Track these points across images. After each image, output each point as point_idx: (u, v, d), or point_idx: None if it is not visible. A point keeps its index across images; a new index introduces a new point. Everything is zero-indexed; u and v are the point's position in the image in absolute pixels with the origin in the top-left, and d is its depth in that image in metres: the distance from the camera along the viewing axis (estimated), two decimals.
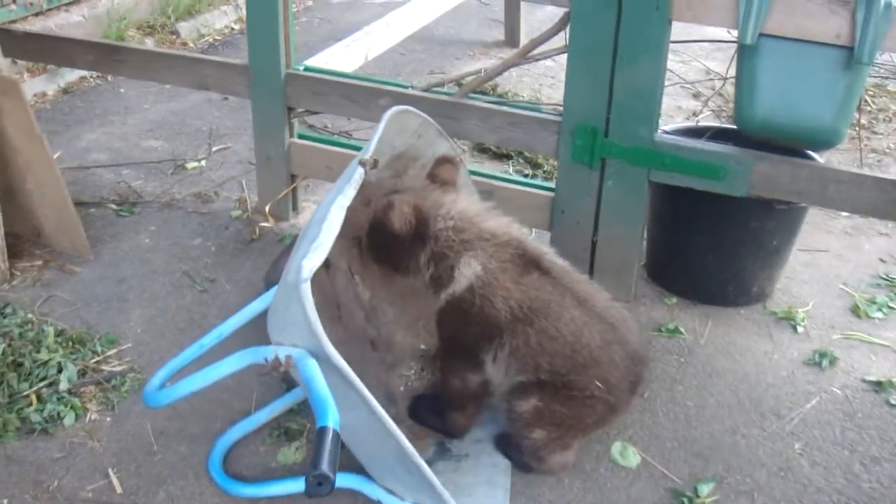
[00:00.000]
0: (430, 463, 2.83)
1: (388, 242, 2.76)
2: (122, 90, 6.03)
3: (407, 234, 2.70)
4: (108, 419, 3.05)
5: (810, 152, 3.54)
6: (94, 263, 3.92)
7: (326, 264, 2.97)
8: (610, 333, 2.73)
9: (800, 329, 3.67)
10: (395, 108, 2.89)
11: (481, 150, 5.13)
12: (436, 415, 2.99)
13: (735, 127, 3.47)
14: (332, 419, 1.92)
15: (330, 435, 1.86)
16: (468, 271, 2.70)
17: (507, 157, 5.06)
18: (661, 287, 3.91)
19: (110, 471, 2.83)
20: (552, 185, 3.79)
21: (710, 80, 6.34)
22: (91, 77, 6.21)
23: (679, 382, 3.34)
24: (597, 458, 2.98)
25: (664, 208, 3.79)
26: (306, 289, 2.16)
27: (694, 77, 6.37)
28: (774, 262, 3.75)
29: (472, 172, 3.61)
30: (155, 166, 4.87)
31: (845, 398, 3.30)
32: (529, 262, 2.75)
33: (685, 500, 2.80)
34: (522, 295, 2.69)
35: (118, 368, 3.26)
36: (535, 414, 2.72)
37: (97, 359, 3.29)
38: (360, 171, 2.66)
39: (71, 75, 6.11)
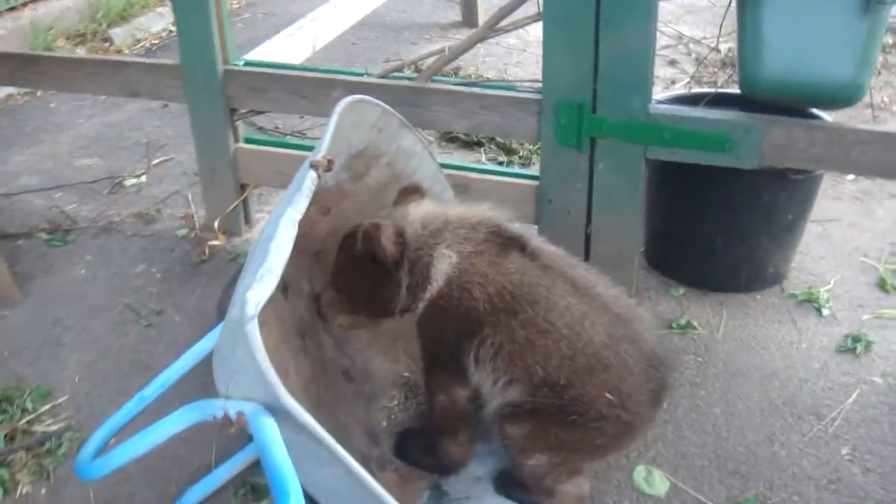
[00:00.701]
0: None
1: (369, 278, 2.40)
2: (52, 105, 5.55)
3: (395, 260, 2.35)
4: (43, 491, 2.59)
5: (818, 112, 3.14)
6: (22, 304, 3.45)
7: (284, 287, 2.54)
8: (619, 328, 2.28)
9: (825, 312, 3.27)
10: (347, 99, 2.48)
11: (449, 139, 4.71)
12: (426, 451, 2.55)
13: (734, 91, 3.11)
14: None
15: None
16: (444, 265, 2.31)
17: (478, 144, 4.63)
18: (666, 277, 3.50)
19: None
20: (536, 172, 3.35)
21: (685, 44, 5.93)
22: (18, 94, 5.72)
23: (700, 387, 2.93)
24: (618, 487, 2.56)
25: (664, 190, 3.38)
26: (253, 329, 1.72)
27: (665, 42, 5.95)
28: (789, 238, 3.35)
29: (444, 165, 3.17)
30: (90, 187, 4.39)
31: (888, 388, 2.91)
32: (509, 242, 2.35)
33: None
34: (502, 279, 2.27)
35: (53, 428, 2.80)
36: (528, 437, 2.29)
37: (28, 418, 2.82)
38: (313, 175, 2.22)
39: None
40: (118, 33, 6.55)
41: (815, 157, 2.91)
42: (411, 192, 2.53)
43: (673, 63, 5.83)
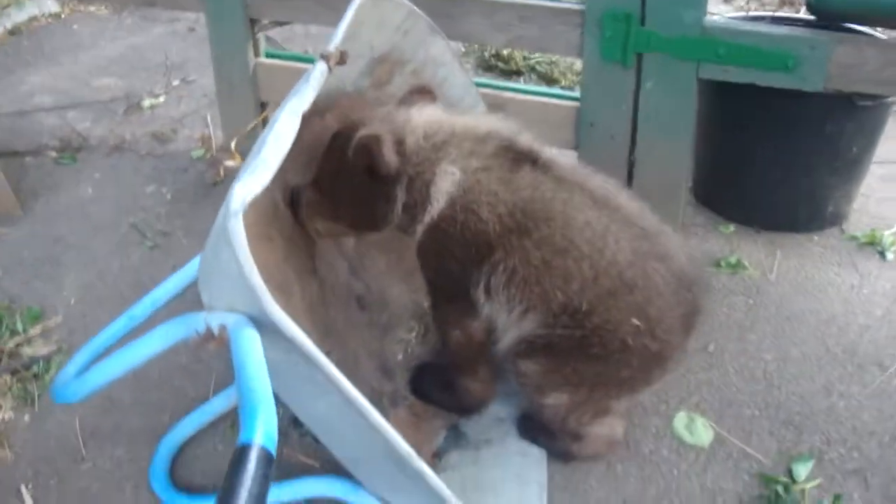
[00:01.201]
0: (441, 454, 2.19)
1: (358, 189, 2.08)
2: (75, 27, 5.33)
3: (395, 174, 2.03)
4: (26, 418, 2.39)
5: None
6: (23, 221, 3.24)
7: (294, 196, 2.29)
8: (644, 243, 1.99)
9: (889, 256, 2.98)
10: None
11: (487, 67, 4.42)
12: (444, 388, 2.31)
13: (797, 16, 2.77)
14: (261, 431, 1.19)
15: (252, 460, 1.15)
16: (446, 183, 2.00)
17: (518, 73, 4.34)
18: (715, 213, 3.21)
19: (23, 488, 2.18)
20: (576, 94, 3.06)
21: None
22: (42, 16, 5.50)
23: (750, 330, 2.65)
24: (656, 435, 2.30)
25: (715, 114, 3.08)
26: (237, 225, 1.47)
27: None
28: (853, 174, 3.04)
29: (479, 84, 2.90)
30: (105, 106, 4.16)
31: None
32: (520, 156, 2.04)
33: (779, 487, 2.12)
34: (514, 196, 1.98)
35: (42, 351, 2.59)
36: (544, 373, 2.04)
37: (17, 340, 2.62)
38: (322, 67, 1.97)
39: (19, 15, 5.42)
40: None
41: (889, 80, 2.58)
42: (422, 92, 2.23)
43: (727, 0, 5.48)
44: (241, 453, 1.16)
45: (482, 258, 2.00)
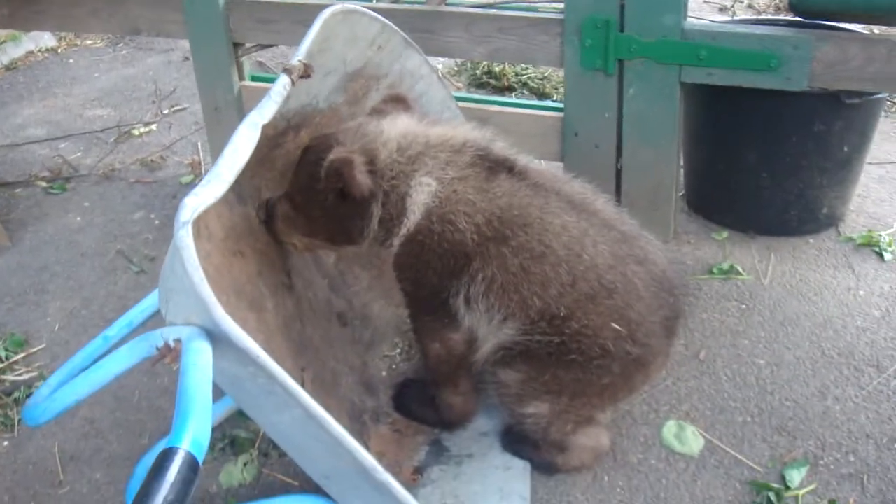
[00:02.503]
0: (422, 469, 2.14)
1: (332, 206, 2.02)
2: (70, 61, 5.35)
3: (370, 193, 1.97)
4: (6, 443, 2.36)
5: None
6: (11, 251, 3.23)
7: (268, 210, 2.26)
8: (624, 246, 1.97)
9: (887, 256, 2.92)
10: (336, 6, 2.18)
11: (479, 84, 4.40)
12: (426, 403, 2.26)
13: (782, 17, 2.73)
14: (189, 437, 1.15)
15: (175, 464, 1.11)
16: (421, 194, 1.97)
17: (510, 89, 4.31)
18: (707, 220, 3.17)
19: None
20: (560, 104, 3.02)
21: None
22: (38, 51, 5.53)
23: (743, 335, 2.59)
24: (645, 444, 2.24)
25: (702, 120, 3.04)
26: (186, 236, 1.43)
27: None
28: (845, 175, 2.99)
29: (459, 98, 2.88)
30: (97, 136, 4.16)
31: None
32: (496, 164, 2.01)
33: (771, 494, 2.06)
34: (490, 205, 1.94)
35: (24, 377, 2.57)
36: (524, 382, 2.00)
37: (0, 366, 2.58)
38: (285, 80, 1.94)
39: (15, 51, 5.47)
40: None
41: (874, 77, 2.55)
42: (395, 100, 2.19)
43: (723, 9, 5.45)
44: (165, 456, 1.13)
45: (461, 268, 1.96)
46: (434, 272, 1.99)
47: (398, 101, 2.18)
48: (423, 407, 2.27)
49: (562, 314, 1.90)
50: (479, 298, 1.96)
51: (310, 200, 2.05)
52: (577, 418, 2.04)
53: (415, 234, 1.98)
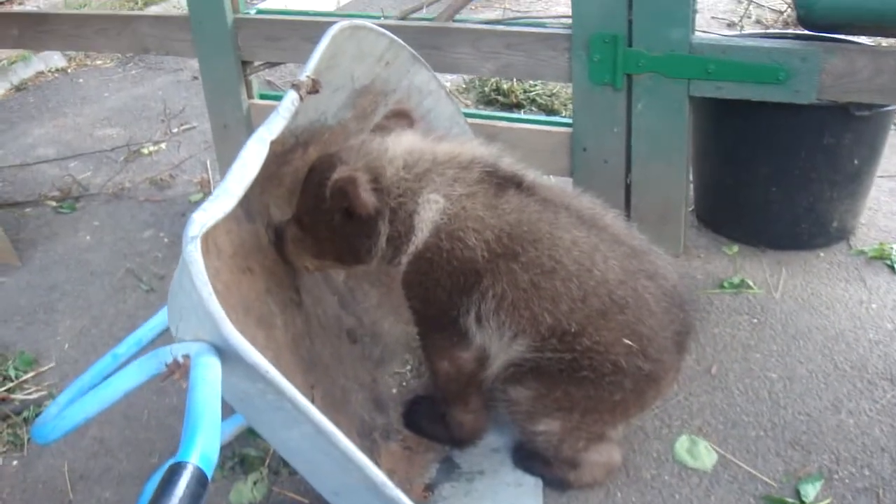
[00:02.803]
0: (433, 487, 2.12)
1: (340, 226, 2.01)
2: (80, 80, 5.38)
3: (376, 211, 1.96)
4: (15, 462, 2.35)
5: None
6: (21, 270, 3.23)
7: (277, 234, 2.26)
8: (634, 261, 1.96)
9: None
10: (343, 23, 2.18)
11: (487, 101, 4.40)
12: (437, 421, 2.25)
13: (782, 31, 2.73)
14: (198, 452, 1.14)
15: (184, 479, 1.10)
16: (429, 212, 1.95)
17: (519, 105, 4.31)
18: (718, 234, 3.15)
19: None
20: (569, 120, 3.02)
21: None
22: (48, 71, 5.58)
23: (754, 349, 2.58)
24: (657, 459, 2.23)
25: (711, 134, 3.03)
26: (194, 251, 1.43)
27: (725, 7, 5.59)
28: (856, 188, 2.97)
29: (467, 115, 2.87)
30: (106, 156, 4.17)
31: None
32: (504, 180, 2.00)
33: None
34: (499, 221, 1.93)
35: (33, 396, 2.57)
36: (535, 399, 1.98)
37: (9, 385, 2.59)
38: (293, 96, 1.94)
39: (25, 71, 5.51)
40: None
41: (882, 88, 2.54)
42: (398, 115, 2.18)
43: (731, 25, 5.45)
44: (174, 470, 1.12)
45: (471, 286, 1.94)
46: (443, 290, 1.97)
47: (402, 117, 2.17)
48: (433, 424, 2.26)
49: (573, 330, 1.89)
50: (489, 315, 1.94)
51: (317, 222, 2.04)
52: (589, 435, 2.02)
53: (423, 252, 1.97)
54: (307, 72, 2.02)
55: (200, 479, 1.12)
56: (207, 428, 1.20)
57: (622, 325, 1.90)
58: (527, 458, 2.17)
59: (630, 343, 1.89)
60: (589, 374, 1.90)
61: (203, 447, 1.17)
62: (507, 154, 2.10)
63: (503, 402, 2.05)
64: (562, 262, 1.89)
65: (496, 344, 1.99)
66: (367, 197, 1.91)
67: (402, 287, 2.07)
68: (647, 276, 1.95)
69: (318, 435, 1.50)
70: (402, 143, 2.04)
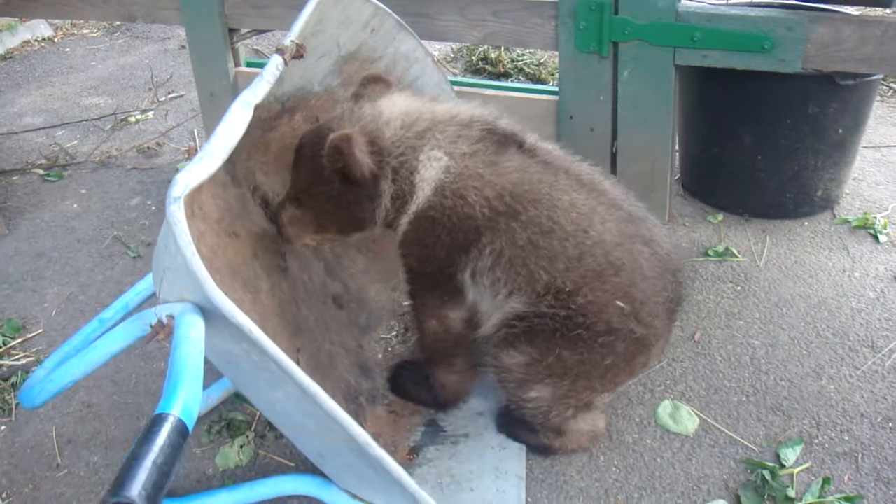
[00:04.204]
0: (418, 449, 2.14)
1: (339, 194, 2.00)
2: (67, 49, 5.35)
3: (373, 173, 1.96)
4: (3, 427, 2.36)
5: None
6: (7, 238, 3.23)
7: (265, 202, 2.27)
8: (631, 226, 1.98)
9: (882, 238, 2.92)
10: None
11: (475, 70, 4.40)
12: (420, 383, 2.27)
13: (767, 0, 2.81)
14: (180, 404, 1.16)
15: (165, 429, 1.11)
16: (431, 170, 1.96)
17: (506, 75, 4.31)
18: (703, 203, 3.17)
19: None
20: (555, 88, 3.02)
21: None
22: (35, 41, 5.53)
23: (738, 317, 2.60)
24: (640, 424, 2.25)
25: (697, 103, 3.04)
26: (178, 211, 1.43)
27: None
28: (840, 157, 2.99)
29: (454, 83, 2.87)
30: (94, 124, 4.16)
31: None
32: (504, 139, 2.02)
33: (766, 472, 2.06)
34: (501, 179, 1.94)
35: (21, 362, 2.57)
36: (527, 365, 1.98)
37: None
38: (278, 60, 1.94)
39: (11, 41, 5.46)
40: None
41: (868, 58, 2.54)
42: (374, 81, 2.14)
43: None
44: (156, 421, 1.13)
45: (470, 243, 1.95)
46: (443, 247, 1.98)
47: (377, 82, 2.14)
48: (417, 387, 2.28)
49: (568, 289, 1.90)
50: (485, 273, 1.96)
51: (316, 194, 2.03)
52: (577, 403, 2.04)
53: (426, 210, 1.97)
54: (292, 36, 2.02)
55: (181, 430, 1.14)
56: (189, 382, 1.21)
57: (616, 287, 1.91)
58: (511, 424, 2.19)
59: (623, 305, 1.91)
60: (583, 333, 1.92)
61: (185, 399, 1.18)
62: (504, 116, 2.11)
63: (494, 369, 2.06)
64: (559, 222, 1.91)
65: (489, 302, 2.00)
66: (363, 157, 1.91)
67: (400, 247, 2.06)
68: (643, 242, 1.97)
69: (302, 395, 1.51)
70: (397, 105, 2.04)
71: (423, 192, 1.97)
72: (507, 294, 1.96)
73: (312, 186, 2.02)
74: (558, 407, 2.04)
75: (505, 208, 1.92)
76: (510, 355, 2.00)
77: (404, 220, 2.01)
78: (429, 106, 2.06)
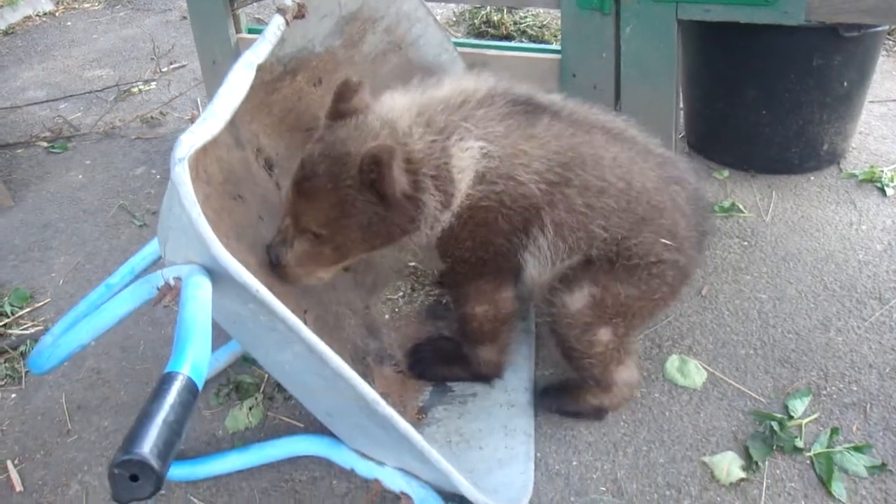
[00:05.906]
0: (426, 409, 2.15)
1: (373, 212, 1.85)
2: (68, 23, 5.33)
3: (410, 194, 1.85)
4: (14, 395, 2.38)
5: None
6: (13, 210, 3.23)
7: (269, 164, 2.27)
8: (665, 169, 2.01)
9: (889, 192, 2.91)
10: None
11: (477, 33, 4.37)
12: (453, 362, 2.25)
13: None
14: (190, 363, 1.16)
15: (175, 387, 1.12)
16: (466, 159, 1.86)
17: (509, 38, 4.29)
18: (708, 159, 3.16)
19: (10, 463, 2.16)
20: (558, 47, 3.00)
21: None
22: (36, 15, 5.52)
23: (745, 271, 2.60)
24: (648, 378, 2.26)
25: (700, 58, 3.02)
26: (182, 172, 1.43)
27: None
28: (846, 111, 2.97)
29: (458, 43, 2.86)
30: (97, 96, 4.15)
31: None
32: (531, 108, 1.95)
33: (774, 424, 2.06)
34: (544, 151, 1.89)
35: (30, 331, 2.58)
36: (593, 306, 1.95)
37: (5, 321, 2.61)
38: (279, 21, 1.94)
39: (13, 16, 5.45)
40: None
41: (871, 9, 2.51)
42: (347, 90, 1.92)
43: None
44: (166, 380, 1.14)
45: (529, 221, 1.92)
46: (500, 233, 1.93)
47: (351, 91, 1.92)
48: (450, 366, 2.26)
49: (621, 236, 1.93)
50: (546, 245, 1.94)
51: (346, 227, 1.87)
52: (627, 348, 2.05)
53: (477, 202, 1.89)
54: None
55: (191, 389, 1.14)
56: (198, 341, 1.22)
57: (660, 227, 1.95)
58: (555, 397, 2.18)
59: (668, 242, 1.95)
60: (639, 262, 1.94)
61: (194, 358, 1.19)
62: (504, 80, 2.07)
63: (556, 316, 1.99)
64: (608, 179, 1.91)
65: (549, 269, 1.97)
66: (399, 176, 1.79)
67: (446, 244, 1.97)
68: (676, 182, 2.01)
69: (310, 354, 1.52)
70: (404, 107, 1.92)
71: (465, 182, 1.87)
72: (566, 257, 1.95)
73: (341, 220, 1.86)
74: (615, 353, 2.02)
75: (557, 178, 1.90)
76: (574, 298, 1.96)
77: (445, 218, 1.90)
78: (432, 94, 1.95)
